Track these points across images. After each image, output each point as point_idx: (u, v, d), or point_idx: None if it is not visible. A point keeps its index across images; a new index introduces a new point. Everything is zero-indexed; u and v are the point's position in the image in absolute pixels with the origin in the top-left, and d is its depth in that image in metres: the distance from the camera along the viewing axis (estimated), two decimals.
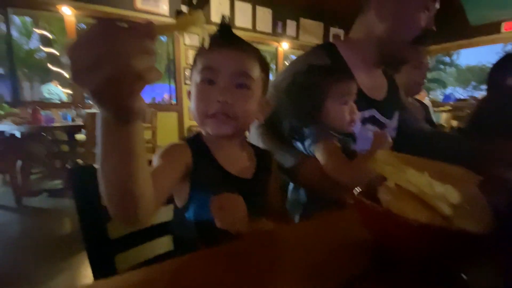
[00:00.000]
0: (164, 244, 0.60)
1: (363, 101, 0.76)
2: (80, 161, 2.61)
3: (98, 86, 0.24)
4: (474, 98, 4.50)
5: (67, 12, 3.62)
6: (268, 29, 5.09)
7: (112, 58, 0.23)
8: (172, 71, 4.71)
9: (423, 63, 1.44)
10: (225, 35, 0.54)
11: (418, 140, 0.93)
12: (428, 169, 0.27)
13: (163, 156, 0.48)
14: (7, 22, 3.73)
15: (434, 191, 0.26)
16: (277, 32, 5.17)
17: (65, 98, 4.90)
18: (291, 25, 5.30)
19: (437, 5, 0.79)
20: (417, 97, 1.73)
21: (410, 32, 0.78)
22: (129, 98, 0.25)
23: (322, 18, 5.52)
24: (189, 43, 4.35)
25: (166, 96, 5.42)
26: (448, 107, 4.15)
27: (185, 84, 4.55)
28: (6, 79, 4.61)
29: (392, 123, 0.90)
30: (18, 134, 2.26)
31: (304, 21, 5.43)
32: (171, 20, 4.27)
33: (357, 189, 0.35)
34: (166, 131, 4.31)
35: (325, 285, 0.28)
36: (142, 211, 0.35)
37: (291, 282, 0.29)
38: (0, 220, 2.04)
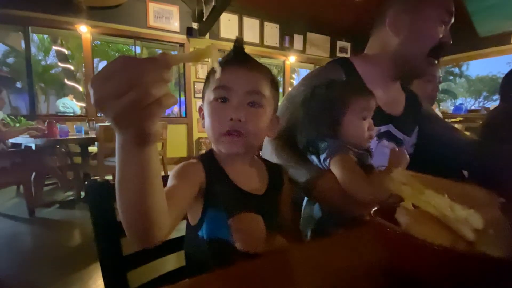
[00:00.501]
0: (176, 260, 0.59)
1: (379, 116, 0.76)
2: (94, 176, 2.65)
3: (119, 113, 0.25)
4: (486, 108, 4.41)
5: (83, 30, 3.80)
6: (276, 43, 5.20)
7: (133, 87, 0.25)
8: (181, 85, 4.82)
9: (435, 76, 1.43)
10: (238, 55, 0.55)
11: (456, 150, 0.90)
12: (448, 190, 0.27)
13: (177, 176, 0.49)
14: (27, 39, 3.94)
15: (455, 214, 0.25)
16: (284, 46, 5.27)
17: (79, 111, 5.07)
18: (298, 39, 5.40)
19: (453, 19, 0.78)
20: None
21: (426, 46, 0.77)
22: (147, 123, 0.27)
23: (329, 32, 5.62)
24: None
25: (175, 109, 5.52)
26: (460, 118, 4.08)
27: (195, 97, 4.64)
28: (23, 93, 4.82)
29: (411, 140, 0.88)
30: (33, 147, 2.33)
31: (311, 35, 5.53)
32: (182, 36, 4.42)
33: (374, 208, 0.35)
34: (176, 143, 4.37)
35: None
36: (157, 231, 0.35)
37: None
38: (13, 230, 2.08)
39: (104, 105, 0.25)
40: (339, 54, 5.80)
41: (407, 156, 0.63)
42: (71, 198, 2.70)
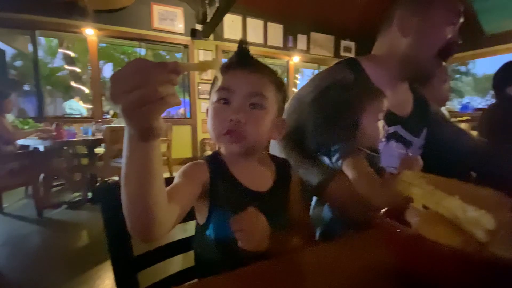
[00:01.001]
0: (185, 260, 0.60)
1: (387, 116, 0.75)
2: (101, 177, 2.68)
3: (128, 106, 0.29)
4: None
5: (89, 33, 3.85)
6: (279, 43, 5.19)
7: (144, 84, 0.28)
8: (186, 86, 4.85)
9: (449, 76, 1.45)
10: (241, 57, 0.56)
11: (466, 155, 0.90)
12: (458, 191, 0.27)
13: (182, 174, 0.50)
14: (35, 43, 4.00)
15: (467, 215, 0.25)
16: (288, 46, 5.26)
17: (85, 113, 5.12)
18: (302, 39, 5.38)
19: (462, 19, 0.77)
20: None
21: (434, 47, 0.76)
22: (152, 117, 0.30)
23: (333, 31, 5.59)
24: (203, 59, 4.50)
25: (181, 110, 5.57)
26: (466, 117, 4.03)
27: (199, 98, 4.66)
28: (31, 95, 4.89)
29: (419, 141, 0.88)
30: (41, 148, 2.37)
31: (314, 35, 5.51)
32: (186, 38, 4.45)
33: (384, 209, 0.35)
34: (180, 144, 4.40)
35: None
36: (156, 227, 0.37)
37: None
38: (22, 231, 2.11)
39: (117, 98, 0.29)
40: (343, 54, 5.77)
41: (420, 161, 0.62)
42: (79, 199, 2.73)
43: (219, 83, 0.38)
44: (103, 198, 0.51)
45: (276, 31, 5.12)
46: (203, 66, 0.34)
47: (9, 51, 5.15)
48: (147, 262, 0.55)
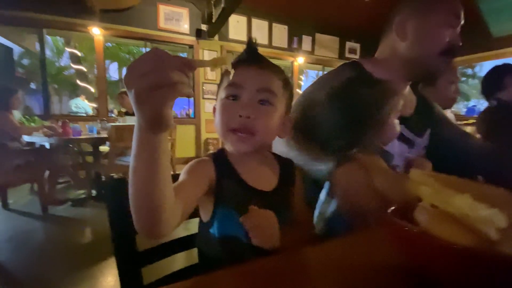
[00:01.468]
0: (189, 257, 0.60)
1: None
2: (106, 175, 2.70)
3: (140, 89, 0.29)
4: None
5: (96, 32, 3.89)
6: (284, 44, 5.19)
7: (158, 70, 0.29)
8: (191, 86, 4.86)
9: (457, 77, 1.44)
10: (251, 54, 0.56)
11: (467, 156, 0.90)
12: (468, 190, 0.27)
13: (188, 171, 0.50)
14: (42, 41, 4.05)
15: (478, 213, 0.25)
16: (292, 47, 5.26)
17: (90, 112, 5.18)
18: (306, 40, 5.38)
19: (462, 21, 0.77)
20: None
21: (433, 50, 0.77)
22: (163, 102, 0.30)
23: (338, 32, 5.57)
24: (207, 59, 4.52)
25: (184, 109, 5.59)
26: (472, 120, 3.98)
27: (203, 98, 4.68)
28: (38, 93, 4.95)
29: (422, 141, 0.88)
30: (47, 145, 2.40)
31: (319, 36, 5.50)
32: (191, 38, 4.47)
33: (391, 208, 0.34)
34: (184, 143, 4.41)
35: None
36: (164, 223, 0.37)
37: None
38: (27, 227, 2.13)
39: (132, 83, 0.29)
40: (348, 55, 5.75)
41: (429, 163, 0.62)
42: (83, 196, 2.76)
43: (229, 79, 0.38)
44: (108, 192, 0.51)
45: (281, 32, 5.12)
46: (216, 63, 0.34)
47: (17, 50, 5.22)
48: (151, 258, 0.55)
